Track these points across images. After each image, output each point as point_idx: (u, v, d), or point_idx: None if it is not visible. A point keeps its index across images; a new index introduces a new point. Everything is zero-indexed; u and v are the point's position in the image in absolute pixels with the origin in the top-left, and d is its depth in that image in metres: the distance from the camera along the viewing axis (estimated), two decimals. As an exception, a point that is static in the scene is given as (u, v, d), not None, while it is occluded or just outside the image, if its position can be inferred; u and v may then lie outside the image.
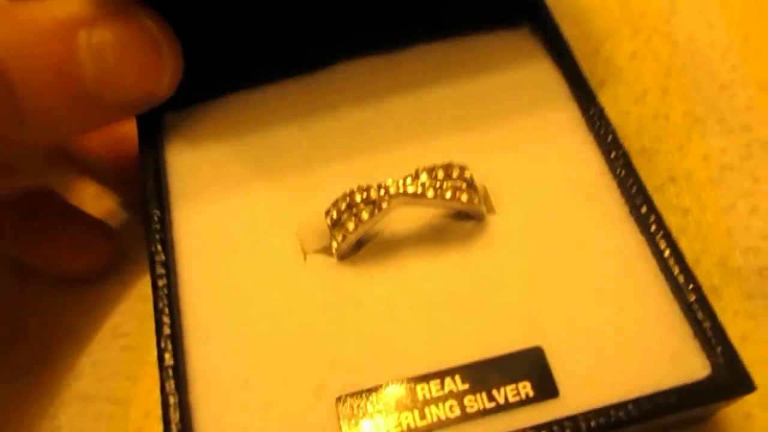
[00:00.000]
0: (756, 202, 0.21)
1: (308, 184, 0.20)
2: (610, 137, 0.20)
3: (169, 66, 0.18)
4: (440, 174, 0.18)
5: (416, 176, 0.18)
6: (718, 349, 0.16)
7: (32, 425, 0.20)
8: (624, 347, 0.17)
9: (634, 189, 0.19)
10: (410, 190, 0.17)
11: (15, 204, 0.21)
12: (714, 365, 0.16)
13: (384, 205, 0.17)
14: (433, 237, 0.19)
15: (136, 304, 0.22)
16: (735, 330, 0.19)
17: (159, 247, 0.19)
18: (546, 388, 0.17)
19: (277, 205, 0.20)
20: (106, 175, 0.23)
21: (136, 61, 0.18)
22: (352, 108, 0.21)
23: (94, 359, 0.21)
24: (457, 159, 0.19)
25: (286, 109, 0.22)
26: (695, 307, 0.17)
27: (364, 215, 0.17)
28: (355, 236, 0.18)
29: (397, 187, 0.17)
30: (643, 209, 0.18)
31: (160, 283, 0.18)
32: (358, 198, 0.17)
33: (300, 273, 0.19)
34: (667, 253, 0.18)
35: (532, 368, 0.17)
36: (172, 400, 0.17)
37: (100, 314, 0.22)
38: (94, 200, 0.24)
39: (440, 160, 0.19)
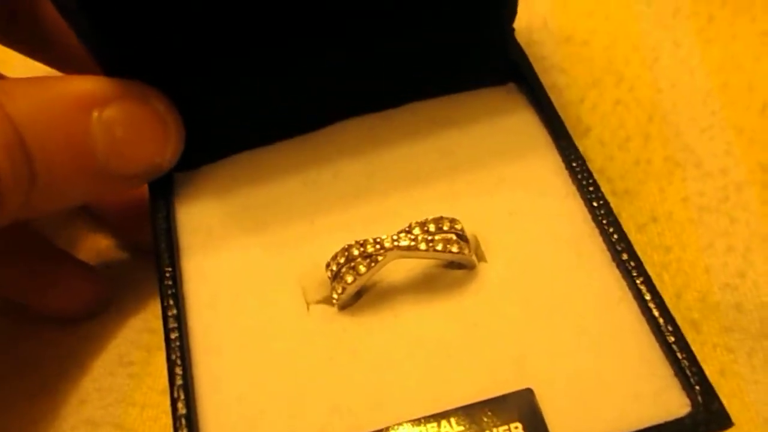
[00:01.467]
0: (732, 242, 0.22)
1: (310, 236, 0.22)
2: (591, 187, 0.21)
3: (173, 139, 0.20)
4: (432, 227, 0.20)
5: (409, 230, 0.19)
6: (697, 387, 0.18)
7: None
8: (609, 386, 0.18)
9: (615, 236, 0.20)
10: (404, 243, 0.19)
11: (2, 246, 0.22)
12: (693, 403, 0.18)
13: (380, 258, 0.19)
14: (426, 286, 0.20)
15: (143, 334, 0.23)
16: (714, 363, 0.21)
17: (171, 302, 0.20)
18: (537, 428, 0.18)
19: (281, 257, 0.21)
20: (113, 220, 0.24)
21: (143, 136, 0.19)
22: (349, 163, 0.23)
23: (99, 385, 0.22)
24: (449, 208, 0.21)
25: (288, 166, 0.23)
26: (675, 347, 0.18)
27: (362, 268, 0.19)
28: (354, 288, 0.19)
29: (392, 241, 0.19)
30: (624, 255, 0.20)
31: (173, 336, 0.19)
32: (355, 252, 0.19)
33: (303, 323, 0.20)
34: (647, 297, 0.19)
35: (523, 410, 0.18)
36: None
37: (107, 343, 0.23)
38: (83, 241, 0.26)
39: (433, 210, 0.21)
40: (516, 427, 0.18)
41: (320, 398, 0.19)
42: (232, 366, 0.20)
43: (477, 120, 0.24)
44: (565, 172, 0.22)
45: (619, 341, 0.19)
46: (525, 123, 0.23)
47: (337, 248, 0.20)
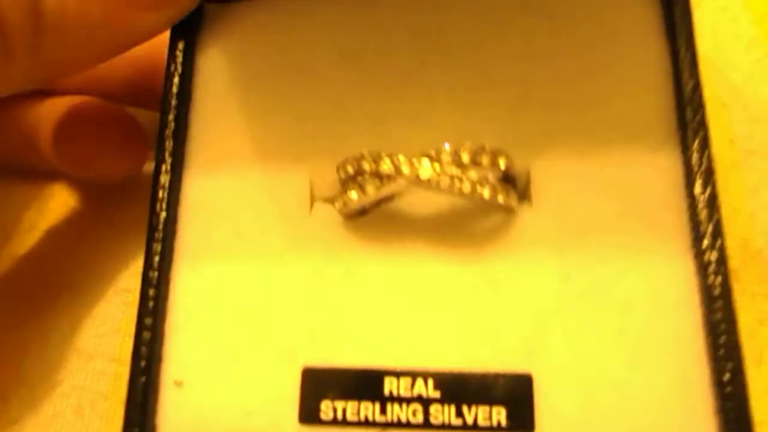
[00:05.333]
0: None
1: (334, 123, 0.19)
2: (699, 142, 0.16)
3: None
4: (465, 158, 0.16)
5: (437, 156, 0.16)
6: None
7: (31, 377, 0.20)
8: (628, 397, 0.15)
9: (704, 214, 0.16)
10: (423, 174, 0.15)
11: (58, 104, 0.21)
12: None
13: (392, 182, 0.15)
14: (448, 220, 0.17)
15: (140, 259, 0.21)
16: (752, 312, 0.20)
17: (167, 159, 0.18)
18: (521, 420, 0.16)
19: (295, 142, 0.19)
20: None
21: None
22: (401, 35, 0.19)
23: (92, 312, 0.21)
24: (509, 122, 0.18)
25: (332, 30, 0.19)
26: (727, 381, 0.15)
27: (370, 189, 0.16)
28: (357, 205, 0.16)
29: (410, 167, 0.15)
30: (707, 246, 0.16)
31: (159, 208, 0.18)
32: (366, 166, 0.16)
33: (301, 224, 0.18)
34: (717, 305, 0.15)
35: (513, 395, 0.16)
36: (147, 321, 0.17)
37: (100, 267, 0.22)
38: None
39: (492, 119, 0.17)
40: (498, 412, 0.16)
41: (297, 318, 0.17)
42: (216, 248, 0.18)
43: (582, 17, 0.18)
44: (674, 116, 0.17)
45: (661, 352, 0.16)
46: (644, 46, 0.18)
47: (357, 147, 0.17)
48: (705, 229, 0.16)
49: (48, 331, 0.21)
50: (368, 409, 0.16)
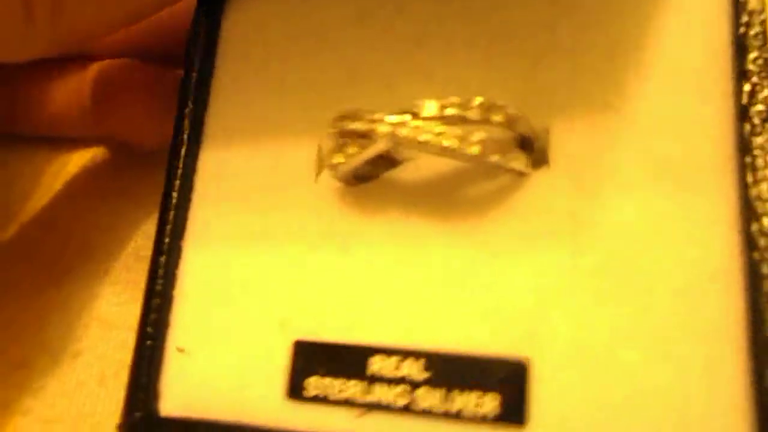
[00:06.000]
0: None
1: (348, 87, 0.18)
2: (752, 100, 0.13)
3: None
4: (474, 114, 0.14)
5: (441, 112, 0.14)
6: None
7: (52, 345, 0.21)
8: (641, 398, 0.13)
9: (759, 189, 0.13)
10: (401, 132, 0.14)
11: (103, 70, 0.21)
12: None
13: (375, 144, 0.14)
14: (453, 187, 0.16)
15: None
16: None
17: (186, 127, 0.18)
18: (513, 411, 0.14)
19: (308, 108, 0.18)
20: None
21: None
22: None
23: (113, 279, 0.21)
24: (531, 84, 0.16)
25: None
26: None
27: (350, 150, 0.15)
28: (347, 168, 0.15)
29: (388, 126, 0.14)
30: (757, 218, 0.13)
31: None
32: (347, 126, 0.15)
33: (306, 194, 0.17)
34: (766, 287, 0.13)
35: (507, 382, 0.14)
36: (157, 288, 0.17)
37: (121, 233, 0.22)
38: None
39: (504, 85, 0.16)
40: (491, 399, 0.14)
41: (291, 288, 0.17)
42: (226, 219, 0.18)
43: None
44: (727, 63, 0.14)
45: (688, 344, 0.13)
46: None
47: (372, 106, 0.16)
48: (756, 206, 0.13)
49: (68, 299, 0.21)
50: (353, 388, 0.15)
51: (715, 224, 0.13)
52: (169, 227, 0.18)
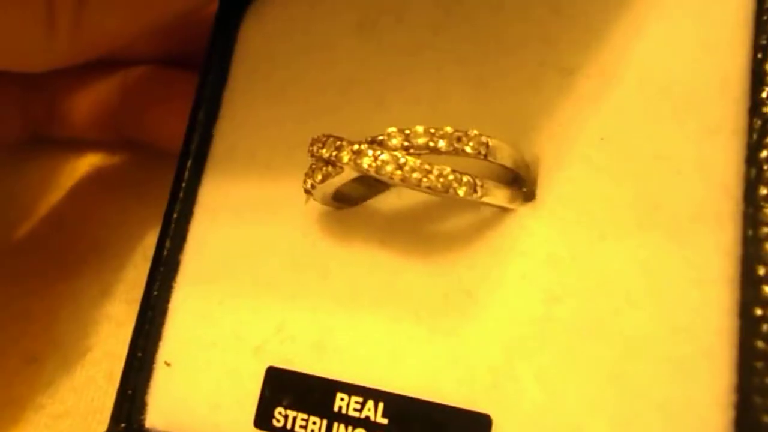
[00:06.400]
0: None
1: (340, 101, 0.17)
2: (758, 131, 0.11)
3: None
4: (443, 144, 0.13)
5: (408, 141, 0.13)
6: None
7: (63, 341, 0.21)
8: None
9: (753, 231, 0.11)
10: (364, 163, 0.13)
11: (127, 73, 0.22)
12: None
13: (340, 174, 0.14)
14: (435, 218, 0.15)
15: None
16: None
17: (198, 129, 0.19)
18: (469, 471, 0.13)
19: (305, 121, 0.18)
20: None
21: None
22: (426, 8, 0.16)
23: (121, 277, 0.21)
24: (523, 107, 0.14)
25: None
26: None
27: (318, 177, 0.14)
28: (319, 194, 0.15)
29: (350, 156, 0.13)
30: (756, 287, 0.11)
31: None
32: (315, 151, 0.14)
33: (296, 212, 0.17)
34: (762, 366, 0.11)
35: (466, 436, 0.13)
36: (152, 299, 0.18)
37: (130, 230, 0.22)
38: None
39: (499, 99, 0.15)
40: (450, 453, 0.13)
41: (271, 309, 0.16)
42: (223, 236, 0.18)
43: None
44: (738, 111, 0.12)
45: (670, 421, 0.11)
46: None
47: (359, 126, 0.15)
48: (757, 268, 0.11)
49: (78, 296, 0.22)
50: (315, 425, 0.15)
51: (711, 285, 0.12)
52: (168, 241, 0.18)
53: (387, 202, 0.16)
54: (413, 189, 0.13)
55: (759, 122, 0.11)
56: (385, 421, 0.14)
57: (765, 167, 0.11)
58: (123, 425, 0.17)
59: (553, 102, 0.14)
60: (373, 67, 0.17)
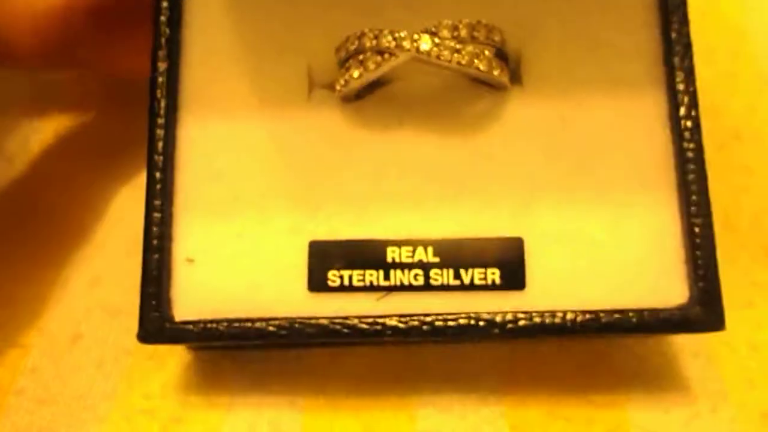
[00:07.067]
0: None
1: (329, 8, 0.19)
2: (678, 30, 0.18)
3: None
4: (464, 32, 0.17)
5: (436, 30, 0.17)
6: (701, 284, 0.16)
7: (51, 328, 0.20)
8: (608, 257, 0.17)
9: (683, 86, 0.17)
10: (424, 47, 0.16)
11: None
12: (690, 297, 0.16)
13: (393, 58, 0.16)
14: (443, 100, 0.19)
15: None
16: None
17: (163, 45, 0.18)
18: (514, 279, 0.17)
19: (291, 28, 0.19)
20: None
21: None
22: None
23: (114, 266, 0.21)
24: (504, 10, 0.18)
25: None
26: (698, 233, 0.16)
27: (370, 65, 0.17)
28: (359, 83, 0.17)
29: (411, 41, 0.16)
30: (683, 115, 0.17)
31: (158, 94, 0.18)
32: (367, 43, 0.16)
33: (301, 109, 0.19)
34: (691, 168, 0.17)
35: (507, 257, 0.17)
36: (156, 203, 0.18)
37: (121, 216, 0.22)
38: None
39: (484, 4, 0.18)
40: (493, 273, 0.17)
41: (300, 194, 0.18)
42: (219, 135, 0.19)
43: None
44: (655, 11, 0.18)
45: (640, 214, 0.17)
46: None
47: (353, 29, 0.18)
48: (682, 98, 0.17)
49: (67, 284, 0.21)
50: (373, 276, 0.18)
51: (654, 124, 0.18)
52: (160, 144, 0.19)
53: (391, 94, 0.19)
54: (454, 69, 0.17)
55: None
56: (437, 259, 0.18)
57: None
58: (156, 315, 0.17)
59: (527, 9, 0.19)
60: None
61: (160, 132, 0.19)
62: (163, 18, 0.19)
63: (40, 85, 0.25)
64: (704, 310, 0.16)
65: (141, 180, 0.23)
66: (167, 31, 0.19)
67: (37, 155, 0.24)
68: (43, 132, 0.24)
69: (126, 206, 0.23)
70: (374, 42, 0.17)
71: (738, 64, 0.24)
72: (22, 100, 0.25)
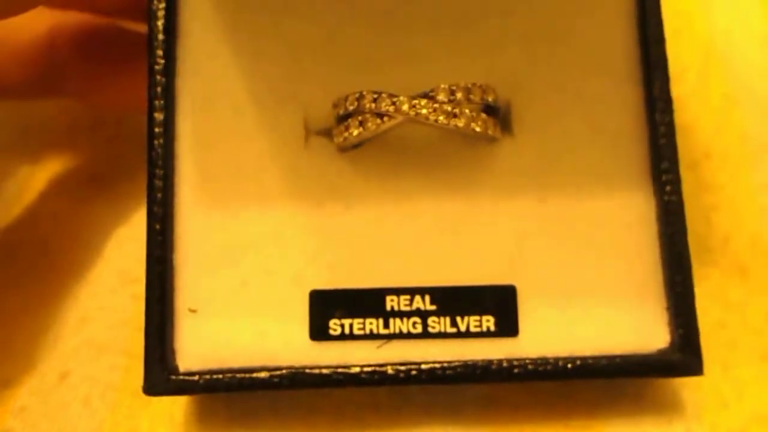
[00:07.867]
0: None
1: (326, 60, 0.20)
2: (660, 76, 0.18)
3: None
4: (460, 95, 0.17)
5: (433, 95, 0.18)
6: (680, 330, 0.17)
7: (39, 366, 0.20)
8: (596, 305, 0.18)
9: (664, 140, 0.18)
10: (423, 111, 0.17)
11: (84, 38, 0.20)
12: (671, 343, 0.18)
13: (392, 120, 0.17)
14: (438, 153, 0.19)
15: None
16: (762, 309, 0.20)
17: (159, 95, 0.19)
18: (508, 326, 0.18)
19: (288, 76, 0.20)
20: None
21: None
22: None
23: (101, 304, 0.21)
24: (490, 61, 0.19)
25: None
26: (678, 282, 0.18)
27: (370, 125, 0.17)
28: (357, 140, 0.18)
29: (410, 106, 0.17)
30: (665, 169, 0.18)
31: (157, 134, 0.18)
32: (366, 105, 0.17)
33: (299, 158, 0.19)
34: (672, 220, 0.18)
35: (501, 305, 0.18)
36: (157, 254, 0.18)
37: (107, 254, 0.22)
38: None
39: (473, 58, 0.19)
40: (488, 320, 0.18)
41: (301, 243, 0.19)
42: (218, 185, 0.19)
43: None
44: (638, 67, 0.19)
45: (625, 262, 0.18)
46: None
47: (351, 85, 0.18)
48: (664, 153, 0.18)
49: (57, 320, 0.21)
50: (373, 324, 0.18)
51: (636, 177, 0.19)
52: (159, 195, 0.19)
53: (387, 144, 0.20)
54: (450, 130, 0.18)
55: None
56: (434, 307, 0.19)
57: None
58: (159, 368, 0.18)
59: (514, 61, 0.20)
60: (352, 27, 0.20)
61: (159, 183, 0.19)
62: (158, 67, 0.19)
63: (27, 116, 0.25)
64: (683, 357, 0.18)
65: (129, 215, 0.23)
66: (163, 80, 0.19)
67: (25, 191, 0.24)
68: (31, 166, 0.24)
69: (113, 242, 0.23)
70: (373, 105, 0.17)
71: (708, 83, 0.24)
72: (11, 135, 0.24)
